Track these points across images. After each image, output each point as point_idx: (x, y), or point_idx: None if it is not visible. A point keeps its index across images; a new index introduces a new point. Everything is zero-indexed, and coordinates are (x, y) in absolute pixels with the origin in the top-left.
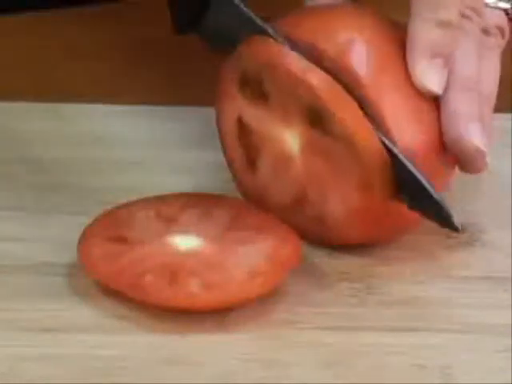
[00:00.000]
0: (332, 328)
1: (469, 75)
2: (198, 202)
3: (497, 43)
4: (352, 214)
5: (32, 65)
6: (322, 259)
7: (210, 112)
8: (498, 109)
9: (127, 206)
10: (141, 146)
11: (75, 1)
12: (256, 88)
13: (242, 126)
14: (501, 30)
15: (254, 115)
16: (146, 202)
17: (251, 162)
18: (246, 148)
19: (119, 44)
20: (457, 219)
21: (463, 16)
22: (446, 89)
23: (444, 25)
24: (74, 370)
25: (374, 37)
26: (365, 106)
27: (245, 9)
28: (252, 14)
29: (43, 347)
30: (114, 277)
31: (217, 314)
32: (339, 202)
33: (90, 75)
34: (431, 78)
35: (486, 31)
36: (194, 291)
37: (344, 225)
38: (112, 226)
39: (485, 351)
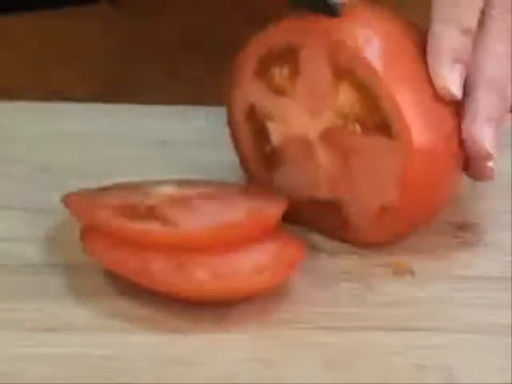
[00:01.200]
0: (332, 328)
1: (498, 76)
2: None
3: None
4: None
5: (32, 65)
6: (322, 259)
7: (210, 112)
8: None
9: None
10: (143, 145)
11: (75, 1)
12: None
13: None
14: None
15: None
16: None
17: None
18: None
19: (120, 44)
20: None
21: (498, 11)
22: (473, 86)
23: (465, 30)
24: (74, 370)
25: (390, 33)
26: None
27: None
28: None
29: (43, 347)
30: (122, 263)
31: (217, 314)
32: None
33: (90, 75)
34: (453, 82)
35: None
36: (201, 278)
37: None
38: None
39: (485, 351)
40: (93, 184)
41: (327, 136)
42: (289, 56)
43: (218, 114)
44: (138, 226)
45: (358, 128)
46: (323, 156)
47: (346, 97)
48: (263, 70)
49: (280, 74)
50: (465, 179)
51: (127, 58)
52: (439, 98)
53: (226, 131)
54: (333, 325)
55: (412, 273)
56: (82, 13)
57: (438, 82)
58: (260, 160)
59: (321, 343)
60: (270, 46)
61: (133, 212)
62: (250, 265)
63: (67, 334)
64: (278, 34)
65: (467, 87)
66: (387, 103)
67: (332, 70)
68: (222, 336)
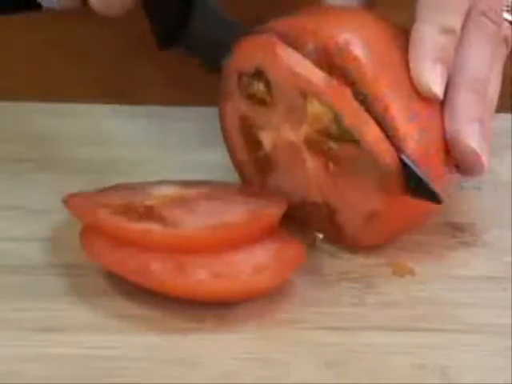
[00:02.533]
0: (332, 328)
1: (479, 77)
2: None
3: (503, 53)
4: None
5: (32, 65)
6: (322, 259)
7: (210, 112)
8: (497, 109)
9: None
10: (142, 146)
11: None
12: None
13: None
14: (506, 41)
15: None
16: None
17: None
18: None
19: (120, 44)
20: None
21: (485, 15)
22: (454, 86)
23: (448, 31)
24: (74, 370)
25: (374, 37)
26: (371, 103)
27: (225, 15)
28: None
29: (43, 347)
30: (122, 263)
31: (217, 314)
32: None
33: (91, 75)
34: (434, 82)
35: None
36: (201, 278)
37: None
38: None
39: (485, 351)
40: (93, 184)
41: (309, 145)
42: (262, 75)
43: (217, 115)
44: (137, 227)
45: (331, 142)
46: (310, 161)
47: (314, 113)
48: (244, 86)
49: (258, 89)
50: (464, 179)
51: (128, 58)
52: (424, 103)
53: (217, 132)
54: (333, 325)
55: (412, 273)
56: (83, 12)
57: (419, 82)
58: (254, 166)
59: (321, 343)
60: (241, 68)
61: (133, 212)
62: (250, 265)
63: (67, 334)
64: (245, 58)
65: (447, 87)
66: (378, 106)
67: (299, 92)
68: (222, 336)
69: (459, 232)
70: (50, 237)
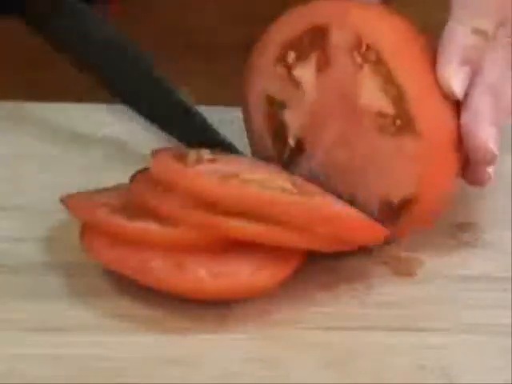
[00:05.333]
0: (332, 328)
1: (497, 82)
2: None
3: None
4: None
5: (32, 65)
6: (323, 259)
7: (209, 112)
8: None
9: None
10: (143, 145)
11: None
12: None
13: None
14: None
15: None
16: None
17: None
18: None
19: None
20: None
21: (502, 25)
22: (472, 88)
23: (480, 33)
24: (74, 370)
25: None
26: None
27: None
28: None
29: (43, 347)
30: (121, 261)
31: (217, 314)
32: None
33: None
34: (457, 82)
35: None
36: (201, 277)
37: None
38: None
39: (485, 351)
40: (93, 184)
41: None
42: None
43: (217, 114)
44: (136, 225)
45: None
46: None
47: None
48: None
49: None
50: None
51: None
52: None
53: (226, 131)
54: (333, 325)
55: (412, 273)
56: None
57: (442, 80)
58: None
59: (321, 343)
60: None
61: (132, 211)
62: (249, 264)
63: (67, 334)
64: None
65: (468, 87)
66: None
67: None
68: (221, 336)
69: (459, 232)
70: (50, 237)
